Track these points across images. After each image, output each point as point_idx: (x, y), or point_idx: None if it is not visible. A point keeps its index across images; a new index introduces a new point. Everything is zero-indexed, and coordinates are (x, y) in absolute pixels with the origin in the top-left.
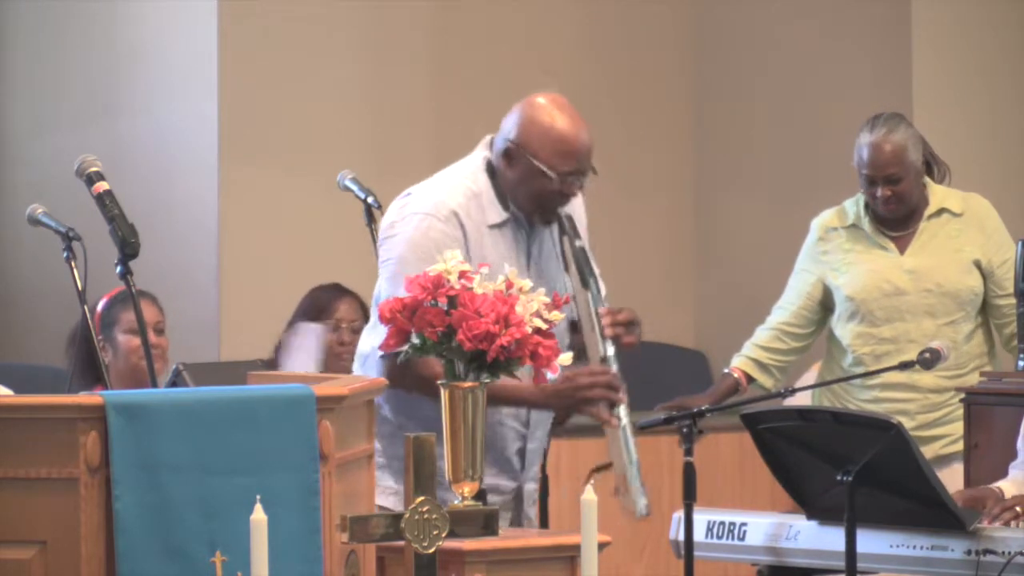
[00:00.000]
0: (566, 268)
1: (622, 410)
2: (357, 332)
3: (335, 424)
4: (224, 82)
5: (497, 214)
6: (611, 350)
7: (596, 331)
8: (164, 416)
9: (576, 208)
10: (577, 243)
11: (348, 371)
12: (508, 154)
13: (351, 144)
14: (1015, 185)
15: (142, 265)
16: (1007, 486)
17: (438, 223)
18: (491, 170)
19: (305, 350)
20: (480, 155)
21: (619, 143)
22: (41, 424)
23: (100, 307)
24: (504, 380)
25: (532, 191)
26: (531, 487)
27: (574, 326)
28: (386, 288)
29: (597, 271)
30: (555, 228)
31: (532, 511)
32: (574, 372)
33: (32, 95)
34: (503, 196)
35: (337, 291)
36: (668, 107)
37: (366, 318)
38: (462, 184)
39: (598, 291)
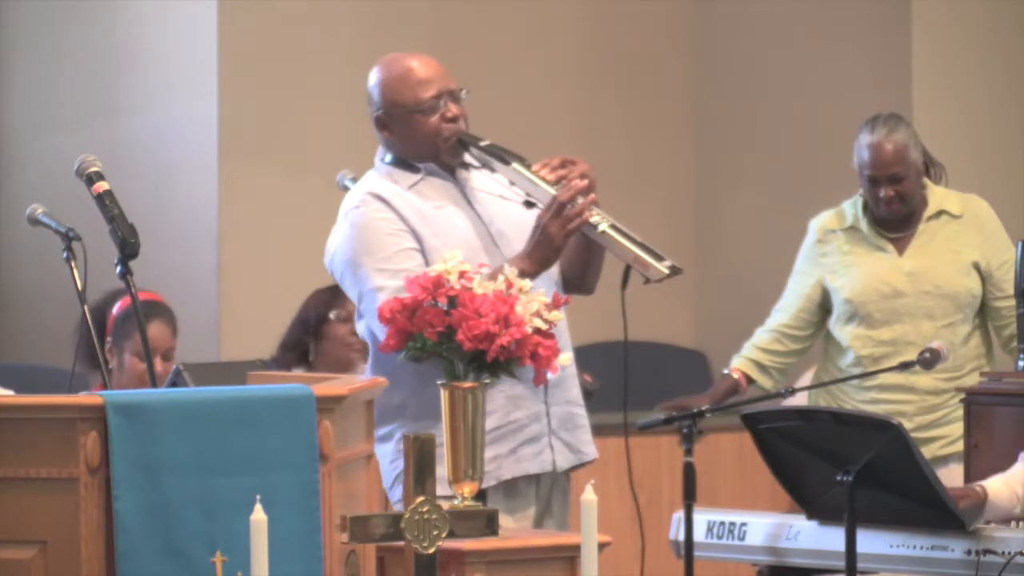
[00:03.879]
0: (491, 169)
1: (596, 218)
2: None
3: (335, 424)
4: (224, 82)
5: (408, 178)
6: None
7: (541, 185)
8: (164, 416)
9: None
10: (481, 143)
11: (360, 362)
12: (382, 122)
13: (351, 144)
14: (1015, 185)
15: (142, 265)
16: (995, 484)
17: (360, 210)
18: (389, 162)
19: None
20: (376, 163)
21: (619, 143)
22: (41, 424)
23: (115, 310)
24: (498, 271)
25: (420, 134)
26: (565, 410)
27: (529, 204)
28: (365, 292)
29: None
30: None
31: (573, 436)
32: (537, 221)
33: (32, 95)
34: (408, 165)
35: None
36: (668, 106)
37: None
38: (369, 178)
39: (523, 160)
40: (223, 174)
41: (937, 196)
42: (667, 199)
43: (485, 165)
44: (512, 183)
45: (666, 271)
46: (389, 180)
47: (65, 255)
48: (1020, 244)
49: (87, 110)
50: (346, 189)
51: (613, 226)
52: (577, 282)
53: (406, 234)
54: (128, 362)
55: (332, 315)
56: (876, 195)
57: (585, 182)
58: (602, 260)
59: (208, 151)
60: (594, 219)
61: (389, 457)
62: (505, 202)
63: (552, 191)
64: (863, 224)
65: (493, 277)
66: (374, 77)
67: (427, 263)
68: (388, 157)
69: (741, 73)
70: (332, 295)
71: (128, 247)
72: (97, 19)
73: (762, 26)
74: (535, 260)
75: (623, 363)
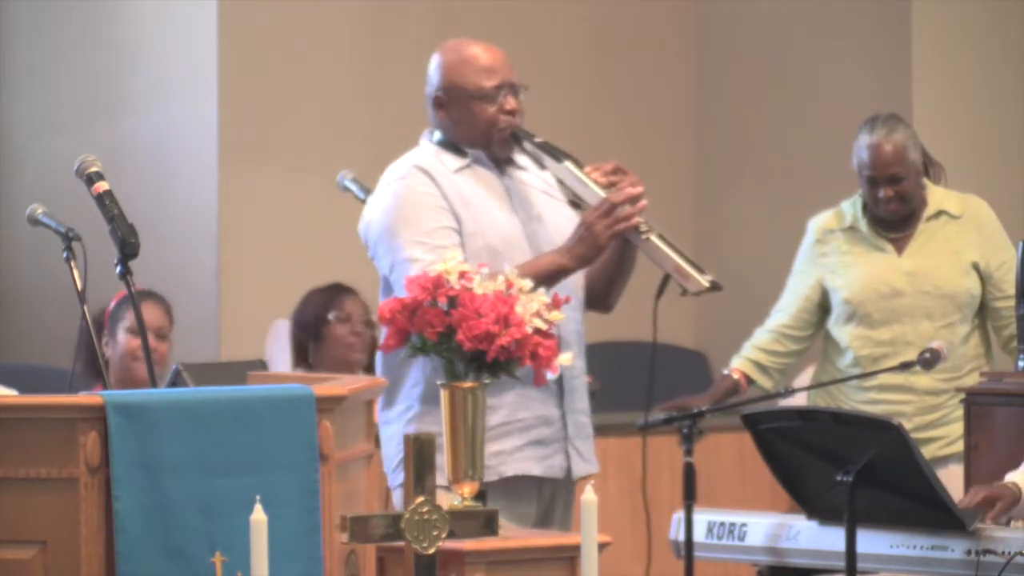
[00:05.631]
0: (541, 165)
1: (643, 225)
2: (368, 325)
3: (335, 424)
4: (224, 82)
5: (456, 161)
6: (611, 193)
7: (591, 187)
8: (164, 416)
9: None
10: (536, 139)
11: (361, 362)
12: (440, 103)
13: (351, 144)
14: (1015, 185)
15: (142, 265)
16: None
17: (405, 182)
18: (437, 142)
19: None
20: (422, 142)
21: (619, 144)
22: (41, 424)
23: (112, 303)
24: (536, 261)
25: (475, 121)
26: (580, 419)
27: (575, 205)
28: (398, 262)
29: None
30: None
31: (585, 446)
32: (583, 219)
33: (32, 95)
34: (457, 148)
35: (340, 288)
36: (668, 107)
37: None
38: (416, 153)
39: (576, 159)
40: (223, 174)
41: (936, 196)
42: (668, 199)
43: (536, 161)
44: (561, 181)
45: (707, 284)
46: (436, 158)
47: (65, 255)
48: (1021, 245)
49: (87, 110)
50: (346, 189)
51: (659, 235)
52: (600, 298)
53: (447, 213)
54: (120, 340)
55: (331, 316)
56: (875, 195)
57: (639, 189)
58: (628, 279)
59: (208, 151)
60: (641, 225)
61: (396, 439)
62: (547, 200)
63: (601, 193)
64: (862, 224)
65: (493, 277)
66: (437, 57)
67: (462, 246)
68: (437, 136)
69: (742, 73)
70: (330, 296)
71: (128, 247)
72: (97, 19)
73: (763, 26)
74: (575, 256)
75: (635, 365)
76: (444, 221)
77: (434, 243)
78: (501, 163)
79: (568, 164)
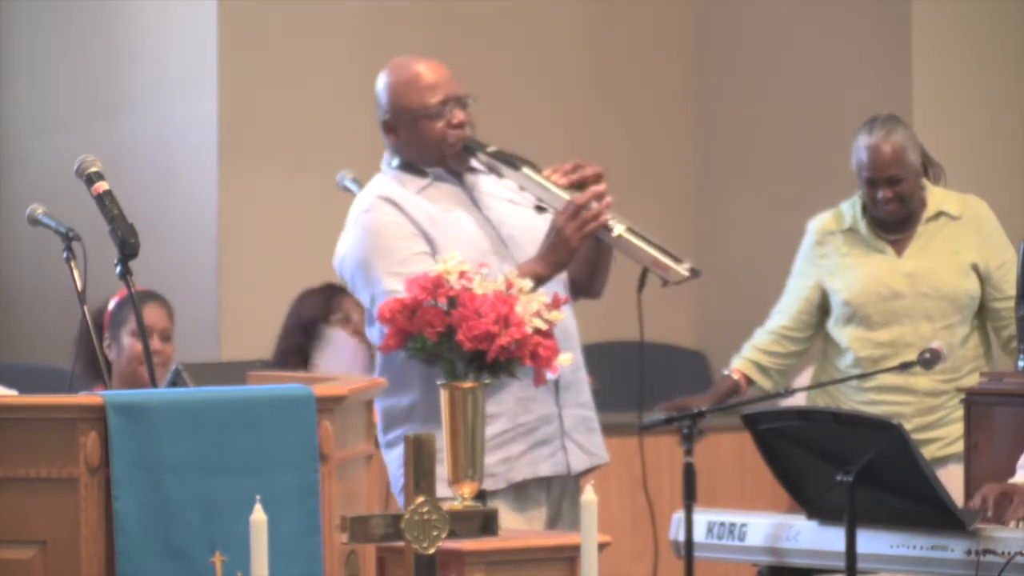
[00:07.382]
0: (499, 174)
1: (613, 221)
2: None
3: (335, 424)
4: (224, 82)
5: (417, 183)
6: (575, 195)
7: (553, 190)
8: (164, 416)
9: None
10: (489, 149)
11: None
12: (389, 126)
13: (351, 144)
14: (1015, 185)
15: (142, 265)
16: None
17: (371, 215)
18: (396, 166)
19: (346, 363)
20: (383, 167)
21: (619, 144)
22: (41, 424)
23: (112, 304)
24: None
25: (426, 139)
26: (578, 412)
27: (540, 209)
28: (378, 294)
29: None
30: (482, 177)
31: (587, 439)
32: (552, 225)
33: (32, 95)
34: (416, 169)
35: (336, 289)
36: (668, 107)
37: None
38: (378, 182)
39: (533, 164)
40: (223, 174)
41: (936, 197)
42: (667, 199)
43: (493, 171)
44: (522, 188)
45: (686, 273)
46: (398, 184)
47: (65, 255)
48: (1021, 245)
49: (87, 110)
50: (346, 190)
51: (629, 229)
52: (584, 287)
53: (418, 238)
54: (126, 344)
55: (332, 318)
56: (874, 197)
57: (603, 186)
58: (610, 265)
59: (208, 151)
60: (610, 222)
61: (397, 462)
62: (514, 207)
63: (564, 195)
64: (862, 226)
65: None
66: (382, 81)
67: None
68: (395, 161)
69: (741, 73)
70: (327, 298)
71: (128, 247)
72: (97, 19)
73: (762, 26)
74: (549, 263)
75: (634, 364)
76: (416, 247)
77: (409, 271)
78: (461, 175)
79: (526, 170)
